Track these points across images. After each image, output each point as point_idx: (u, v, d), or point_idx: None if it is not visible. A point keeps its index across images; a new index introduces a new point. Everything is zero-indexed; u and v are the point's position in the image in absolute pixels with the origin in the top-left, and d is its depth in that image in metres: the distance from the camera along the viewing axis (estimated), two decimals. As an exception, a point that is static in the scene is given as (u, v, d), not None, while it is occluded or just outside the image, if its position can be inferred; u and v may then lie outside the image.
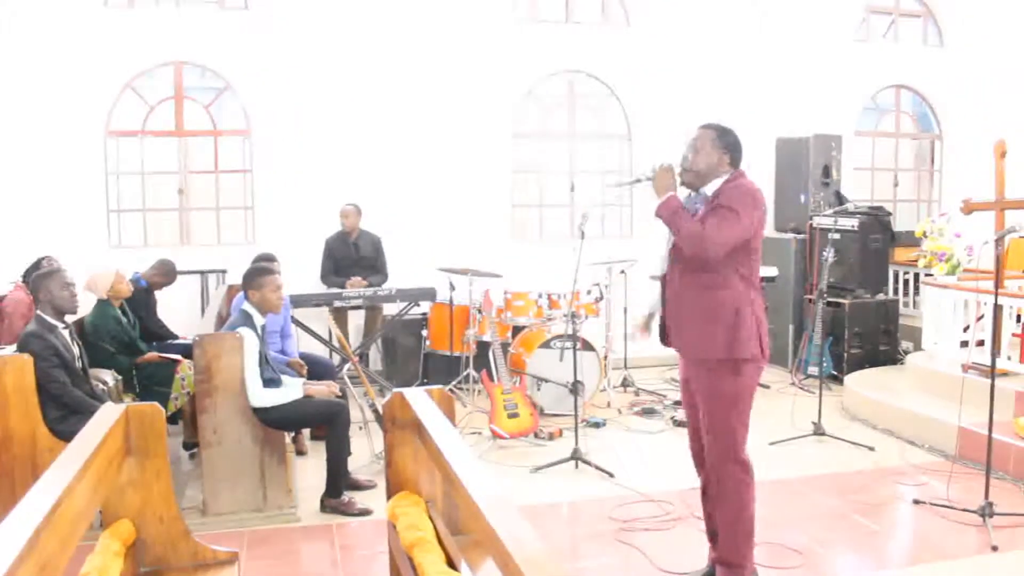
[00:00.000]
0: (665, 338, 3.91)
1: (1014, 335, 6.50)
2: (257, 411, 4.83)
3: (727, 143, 3.69)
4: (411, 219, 8.40)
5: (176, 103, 8.25)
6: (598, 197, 9.48)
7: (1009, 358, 6.29)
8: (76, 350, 4.72)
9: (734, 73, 9.20)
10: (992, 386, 4.74)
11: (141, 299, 6.40)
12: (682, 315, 3.74)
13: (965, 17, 10.22)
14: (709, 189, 3.69)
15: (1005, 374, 6.09)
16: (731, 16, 9.27)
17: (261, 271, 5.08)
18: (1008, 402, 5.82)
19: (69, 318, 4.74)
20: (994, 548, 4.34)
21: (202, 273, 8.07)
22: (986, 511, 4.58)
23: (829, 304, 7.76)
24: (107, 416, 2.62)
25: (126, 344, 5.76)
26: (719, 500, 3.74)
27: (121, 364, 5.61)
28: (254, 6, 8.14)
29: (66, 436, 4.15)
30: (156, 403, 2.78)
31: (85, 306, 5.33)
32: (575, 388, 6.07)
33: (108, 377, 5.31)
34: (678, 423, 6.73)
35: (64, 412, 4.47)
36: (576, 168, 9.42)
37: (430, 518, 2.64)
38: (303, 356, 6.23)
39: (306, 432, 6.18)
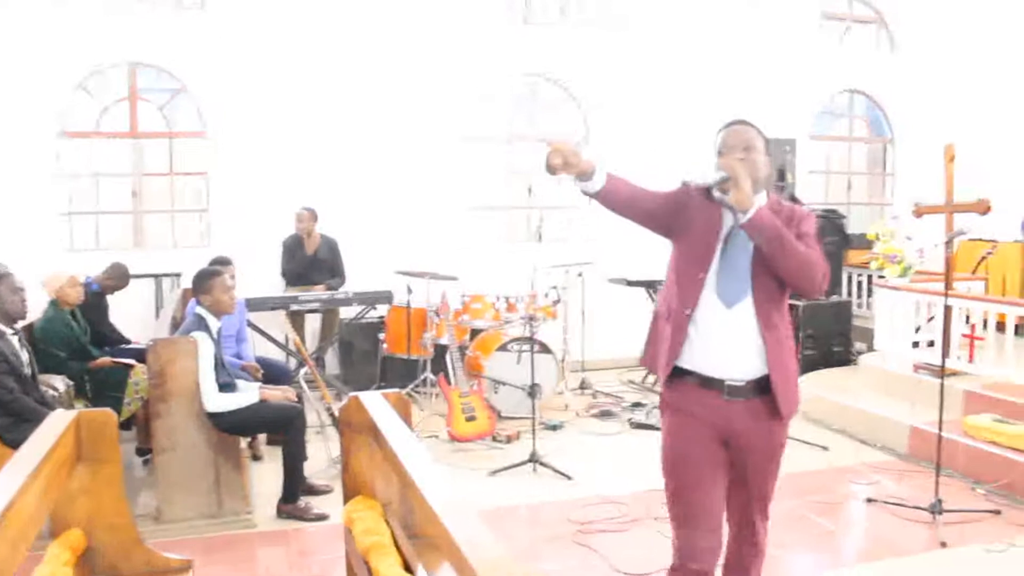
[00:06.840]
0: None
1: (963, 336, 6.63)
2: (212, 416, 4.78)
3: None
4: (368, 222, 8.33)
5: (130, 104, 8.13)
6: (555, 199, 9.51)
7: (959, 358, 6.42)
8: (25, 356, 4.63)
9: (689, 76, 9.27)
10: (942, 386, 4.84)
11: (93, 303, 6.29)
12: (773, 367, 2.81)
13: (916, 23, 10.43)
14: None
15: (955, 374, 6.23)
16: (686, 19, 9.34)
17: (208, 274, 5.00)
18: (957, 401, 5.95)
19: (19, 324, 4.66)
20: (943, 544, 4.45)
21: (156, 277, 7.93)
22: (936, 508, 4.68)
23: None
24: (57, 422, 2.57)
25: (77, 349, 5.66)
26: (757, 559, 3.10)
27: (72, 370, 5.51)
28: (211, 7, 8.05)
29: (16, 445, 4.04)
30: (108, 409, 2.74)
31: (35, 311, 5.24)
32: (532, 391, 6.09)
33: (59, 383, 5.21)
34: (635, 425, 6.77)
35: (14, 420, 4.39)
36: (534, 170, 9.42)
37: (387, 522, 2.62)
38: (259, 360, 6.17)
39: (262, 437, 6.13)
